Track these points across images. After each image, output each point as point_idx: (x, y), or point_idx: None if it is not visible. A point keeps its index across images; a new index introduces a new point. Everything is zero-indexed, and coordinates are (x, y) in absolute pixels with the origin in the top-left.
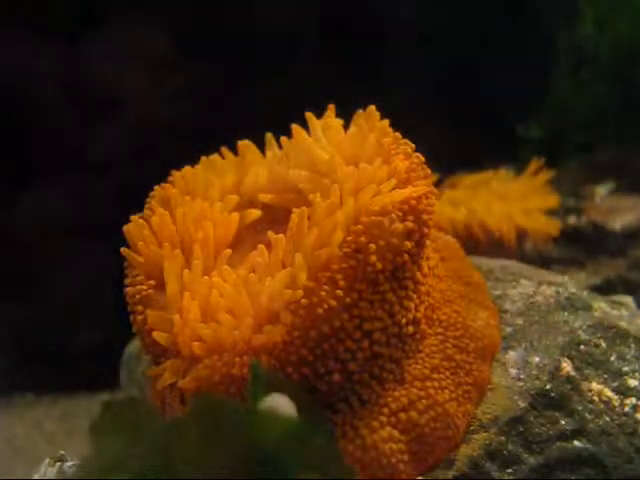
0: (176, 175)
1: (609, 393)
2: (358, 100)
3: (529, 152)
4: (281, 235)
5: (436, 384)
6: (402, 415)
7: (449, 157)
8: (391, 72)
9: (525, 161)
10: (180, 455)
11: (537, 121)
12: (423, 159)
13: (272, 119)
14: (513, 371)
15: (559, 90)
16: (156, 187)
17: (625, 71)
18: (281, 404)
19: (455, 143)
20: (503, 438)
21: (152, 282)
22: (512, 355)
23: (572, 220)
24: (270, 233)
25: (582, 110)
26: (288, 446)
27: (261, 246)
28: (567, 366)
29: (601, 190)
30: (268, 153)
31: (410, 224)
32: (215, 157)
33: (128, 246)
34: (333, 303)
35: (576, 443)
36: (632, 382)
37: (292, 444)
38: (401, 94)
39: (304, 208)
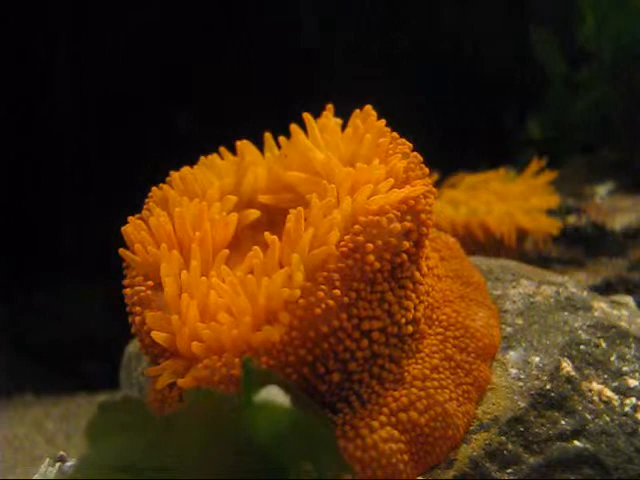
0: (174, 176)
1: (609, 393)
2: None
3: (529, 152)
4: (276, 236)
5: (436, 384)
6: (402, 415)
7: (449, 157)
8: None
9: (525, 161)
10: (176, 451)
11: (537, 121)
12: (421, 158)
13: None
14: (513, 371)
15: (559, 90)
16: (154, 188)
17: (625, 71)
18: (275, 396)
19: (455, 143)
20: (503, 438)
21: (150, 283)
22: (512, 355)
23: (572, 220)
24: (266, 234)
25: (582, 110)
26: (283, 437)
27: (256, 247)
28: (567, 366)
29: (601, 190)
30: (267, 153)
31: (408, 224)
32: (214, 157)
33: (126, 247)
34: (331, 303)
35: (576, 443)
36: (632, 382)
37: (287, 435)
38: (401, 94)
39: (300, 208)
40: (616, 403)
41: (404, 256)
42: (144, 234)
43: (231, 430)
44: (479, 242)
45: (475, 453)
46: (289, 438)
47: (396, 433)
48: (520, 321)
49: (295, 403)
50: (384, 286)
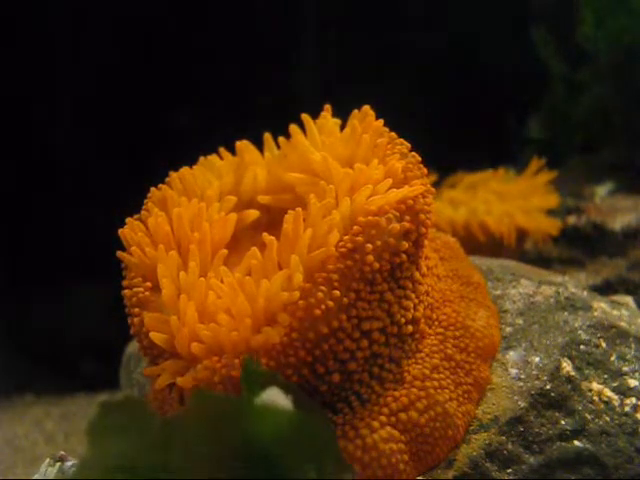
0: (173, 176)
1: (609, 393)
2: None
3: (529, 152)
4: (273, 237)
5: (436, 384)
6: (402, 415)
7: (449, 157)
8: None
9: (525, 161)
10: (177, 451)
11: (537, 121)
12: (419, 158)
13: None
14: (513, 371)
15: (558, 90)
16: (153, 188)
17: (625, 71)
18: (277, 398)
19: (455, 143)
20: (503, 438)
21: (149, 284)
22: (512, 355)
23: (572, 220)
24: (264, 234)
25: (582, 110)
26: (285, 440)
27: (254, 248)
28: (567, 366)
29: (601, 190)
30: (266, 153)
31: (407, 224)
32: (213, 157)
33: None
34: (330, 304)
35: (576, 443)
36: (632, 382)
37: (289, 438)
38: (400, 94)
39: (299, 209)
40: (616, 403)
41: (403, 256)
42: (141, 235)
43: (232, 432)
44: (479, 242)
45: (475, 453)
46: (291, 441)
47: (396, 433)
48: (520, 321)
49: (296, 404)
50: (383, 286)
